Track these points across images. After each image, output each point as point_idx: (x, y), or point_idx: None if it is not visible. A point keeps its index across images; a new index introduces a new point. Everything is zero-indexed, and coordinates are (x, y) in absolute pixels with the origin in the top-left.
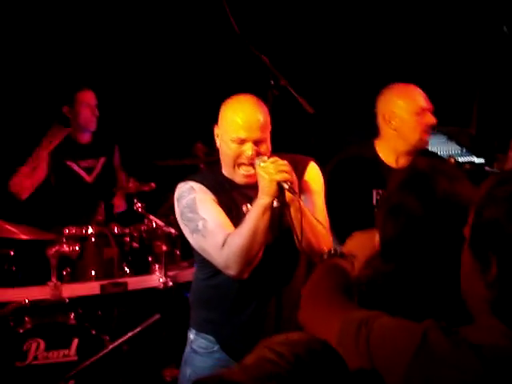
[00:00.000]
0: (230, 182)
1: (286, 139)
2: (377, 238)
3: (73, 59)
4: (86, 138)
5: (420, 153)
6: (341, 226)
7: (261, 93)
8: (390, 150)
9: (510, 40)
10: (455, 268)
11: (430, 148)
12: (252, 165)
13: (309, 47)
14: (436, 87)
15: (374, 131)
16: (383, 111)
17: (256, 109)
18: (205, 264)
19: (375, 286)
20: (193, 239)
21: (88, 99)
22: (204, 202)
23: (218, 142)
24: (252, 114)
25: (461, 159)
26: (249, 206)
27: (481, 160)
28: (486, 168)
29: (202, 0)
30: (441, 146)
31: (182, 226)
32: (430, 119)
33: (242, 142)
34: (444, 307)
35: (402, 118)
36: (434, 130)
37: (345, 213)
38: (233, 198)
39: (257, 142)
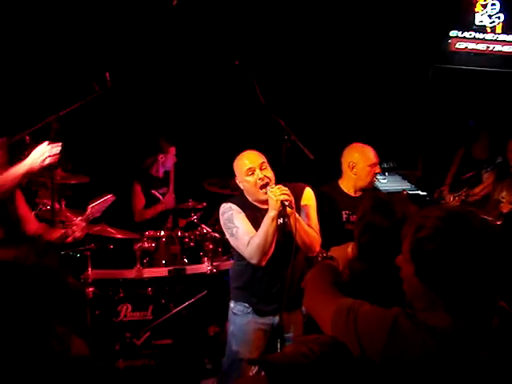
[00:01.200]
0: (252, 206)
1: (294, 176)
2: (349, 249)
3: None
4: (161, 173)
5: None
6: (321, 236)
7: (277, 144)
8: (350, 186)
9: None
10: None
11: (388, 184)
12: (266, 186)
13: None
14: (393, 142)
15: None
16: (348, 161)
17: (253, 151)
18: (238, 257)
19: (355, 279)
20: (231, 240)
21: (174, 151)
22: (237, 217)
23: (241, 186)
24: (252, 154)
25: (411, 192)
26: None
27: (424, 193)
28: (427, 198)
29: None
30: (397, 183)
31: (225, 231)
32: (378, 169)
33: (252, 171)
34: (401, 293)
35: (360, 167)
36: (392, 172)
37: (324, 227)
38: (255, 216)
39: (261, 168)
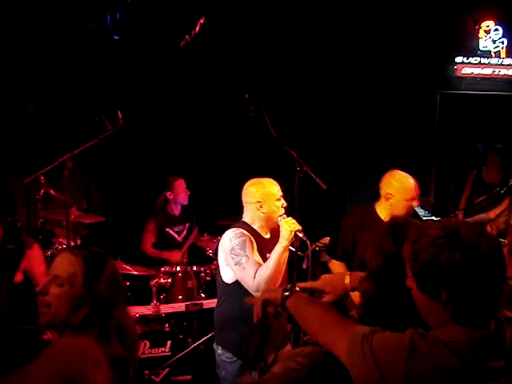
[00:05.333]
0: (256, 234)
1: (307, 207)
2: (347, 281)
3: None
4: (177, 211)
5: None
6: (357, 256)
7: (290, 175)
8: (385, 214)
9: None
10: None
11: None
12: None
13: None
14: (404, 170)
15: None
16: (386, 191)
17: (273, 180)
18: (229, 291)
19: (366, 302)
20: (235, 269)
21: (182, 185)
22: (249, 246)
23: (262, 210)
24: (275, 183)
25: (424, 218)
26: (268, 254)
27: (438, 218)
28: None
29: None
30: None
31: (229, 258)
32: (415, 203)
33: (280, 198)
34: (407, 311)
35: (397, 200)
36: None
37: (355, 245)
38: (260, 246)
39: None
